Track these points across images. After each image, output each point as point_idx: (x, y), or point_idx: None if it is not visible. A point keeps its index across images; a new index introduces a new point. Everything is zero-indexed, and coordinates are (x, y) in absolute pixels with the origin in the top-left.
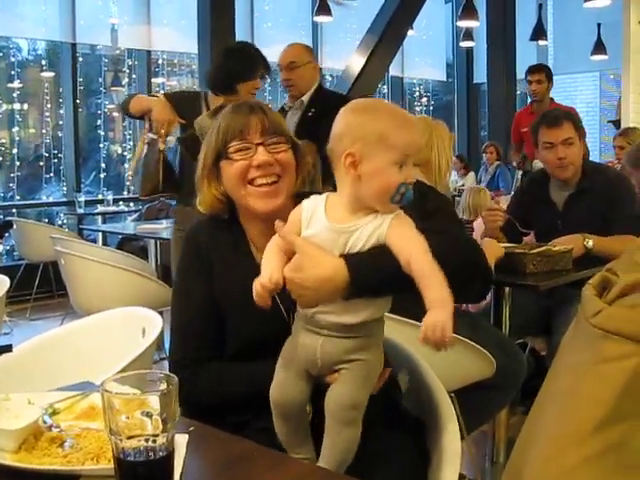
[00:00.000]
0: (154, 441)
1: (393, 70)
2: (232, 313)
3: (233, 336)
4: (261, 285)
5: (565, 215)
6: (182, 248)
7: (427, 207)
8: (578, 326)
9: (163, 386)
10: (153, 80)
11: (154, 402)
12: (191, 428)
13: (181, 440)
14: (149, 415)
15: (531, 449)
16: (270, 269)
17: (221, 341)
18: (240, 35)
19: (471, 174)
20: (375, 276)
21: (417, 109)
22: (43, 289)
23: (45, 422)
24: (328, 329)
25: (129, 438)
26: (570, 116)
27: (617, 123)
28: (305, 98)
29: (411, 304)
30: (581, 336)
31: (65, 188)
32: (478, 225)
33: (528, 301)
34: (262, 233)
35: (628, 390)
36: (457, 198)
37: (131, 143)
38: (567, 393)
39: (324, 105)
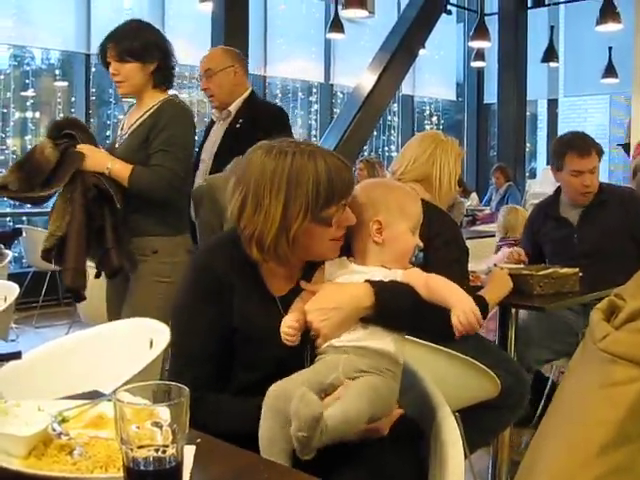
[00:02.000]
0: (164, 452)
1: (404, 88)
2: (252, 338)
3: (247, 366)
4: (288, 326)
5: (580, 230)
6: (193, 274)
7: (430, 232)
8: (585, 350)
9: (174, 397)
10: None
11: (164, 413)
12: (198, 440)
13: (188, 452)
14: (159, 426)
15: (536, 471)
16: (295, 311)
17: (226, 372)
18: (253, 50)
19: (473, 195)
20: (395, 300)
21: (427, 127)
22: (50, 297)
23: (54, 429)
24: (352, 352)
25: (139, 448)
26: (596, 144)
27: (627, 147)
28: (232, 108)
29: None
30: (588, 360)
31: None
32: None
33: (562, 327)
34: (279, 272)
35: (633, 413)
36: (466, 217)
37: None
38: (573, 416)
39: (253, 117)
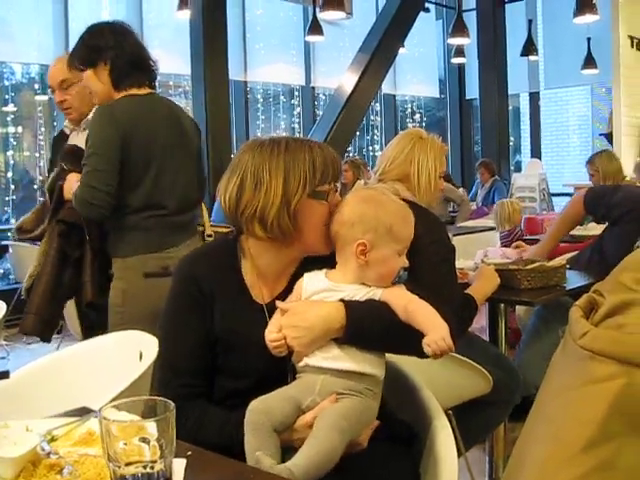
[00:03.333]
0: (152, 467)
1: (385, 88)
2: (235, 347)
3: (229, 375)
4: (270, 340)
5: None
6: (176, 283)
7: (415, 233)
8: (566, 347)
9: (160, 412)
10: None
11: (152, 428)
12: (189, 452)
13: (179, 465)
14: (147, 441)
15: (522, 471)
16: (274, 322)
17: (209, 381)
18: (232, 55)
19: (460, 190)
20: (368, 322)
21: (410, 125)
22: None
23: (43, 449)
24: (330, 373)
25: (127, 465)
26: None
27: (609, 136)
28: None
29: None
30: (569, 357)
31: None
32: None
33: None
34: (265, 274)
35: (615, 410)
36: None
37: None
38: (556, 414)
39: None
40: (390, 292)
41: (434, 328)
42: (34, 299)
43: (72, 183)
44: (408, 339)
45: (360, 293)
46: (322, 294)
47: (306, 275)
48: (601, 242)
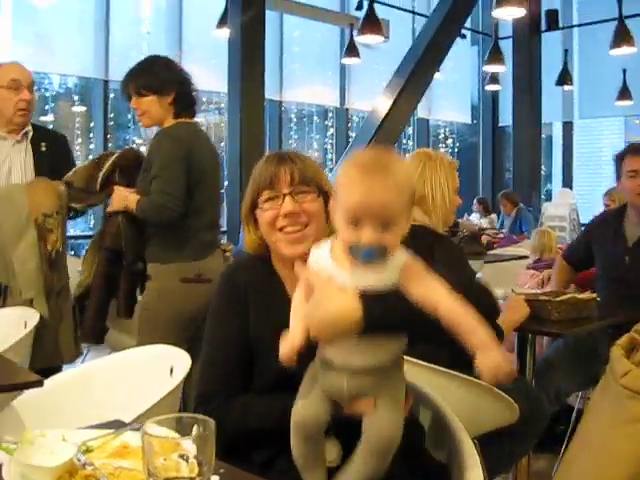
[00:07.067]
0: None
1: (419, 112)
2: (264, 352)
3: (262, 373)
4: (284, 351)
5: (634, 251)
6: (219, 287)
7: (433, 260)
8: (607, 386)
9: (200, 429)
10: None
11: (190, 445)
12: (221, 470)
13: None
14: (185, 458)
15: None
16: (293, 332)
17: (249, 378)
18: (269, 75)
19: (492, 216)
20: (388, 312)
21: (442, 150)
22: None
23: (79, 459)
24: (351, 371)
25: None
26: None
27: None
28: (29, 128)
29: (433, 349)
30: (610, 396)
31: (92, 221)
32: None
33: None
34: (293, 275)
35: None
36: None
37: None
38: (598, 450)
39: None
40: (413, 288)
41: (477, 347)
42: (89, 314)
43: (124, 194)
44: (434, 329)
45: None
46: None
47: (311, 258)
48: None
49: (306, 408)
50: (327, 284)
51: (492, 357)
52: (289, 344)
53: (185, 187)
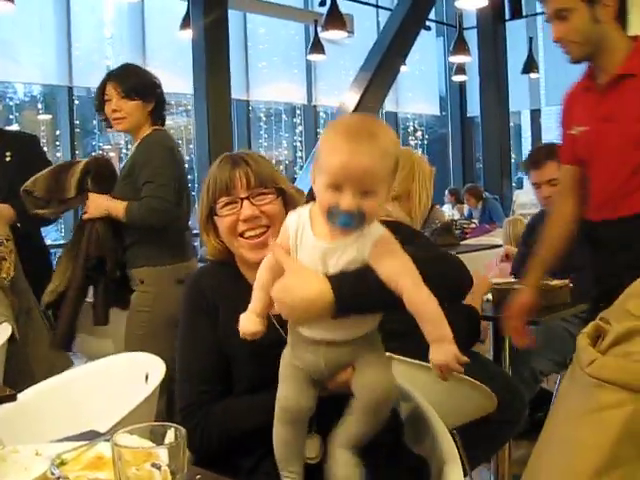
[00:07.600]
0: None
1: (387, 105)
2: (236, 356)
3: (238, 378)
4: (243, 323)
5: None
6: (185, 295)
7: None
8: (574, 375)
9: (172, 437)
10: None
11: (163, 454)
12: (198, 476)
13: None
14: (158, 467)
15: None
16: (254, 302)
17: (228, 382)
18: (235, 75)
19: (464, 206)
20: (359, 297)
21: (412, 143)
22: None
23: (53, 473)
24: (326, 342)
25: None
26: (552, 155)
27: None
28: None
29: (412, 345)
30: (577, 385)
31: (63, 230)
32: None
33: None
34: None
35: (624, 437)
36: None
37: None
38: (565, 441)
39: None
40: (381, 267)
41: (433, 338)
42: (63, 322)
43: (100, 201)
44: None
45: (346, 254)
46: (310, 251)
47: (290, 218)
48: None
49: (289, 394)
50: (298, 269)
51: (444, 351)
52: (249, 314)
53: (177, 191)
